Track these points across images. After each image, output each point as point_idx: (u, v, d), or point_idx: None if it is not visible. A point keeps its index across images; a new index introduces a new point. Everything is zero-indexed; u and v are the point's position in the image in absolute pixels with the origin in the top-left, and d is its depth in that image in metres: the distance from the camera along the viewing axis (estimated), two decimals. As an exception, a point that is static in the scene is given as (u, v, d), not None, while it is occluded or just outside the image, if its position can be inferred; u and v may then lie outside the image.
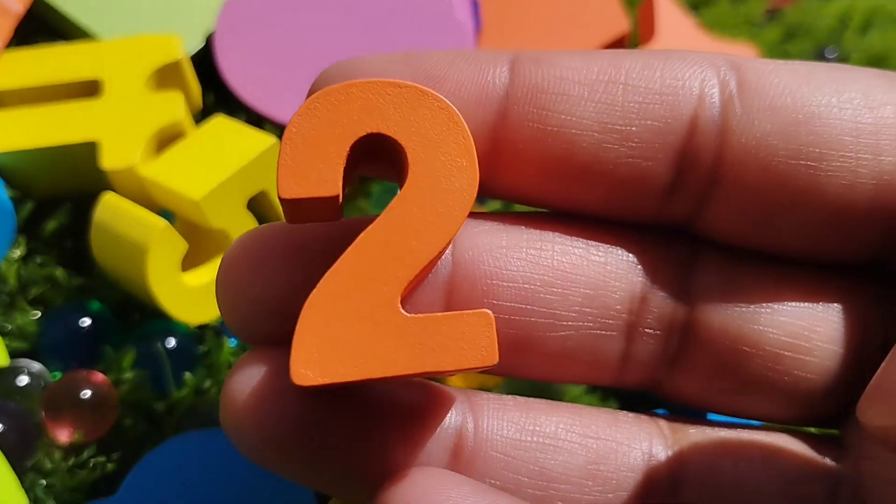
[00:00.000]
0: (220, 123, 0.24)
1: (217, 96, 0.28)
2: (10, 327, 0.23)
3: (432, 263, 0.13)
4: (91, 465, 0.21)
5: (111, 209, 0.23)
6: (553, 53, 0.14)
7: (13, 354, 0.22)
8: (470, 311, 0.13)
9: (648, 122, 0.14)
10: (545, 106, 0.14)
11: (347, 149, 0.13)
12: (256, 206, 0.24)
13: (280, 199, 0.13)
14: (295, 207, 0.13)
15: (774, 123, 0.14)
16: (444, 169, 0.13)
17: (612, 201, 0.14)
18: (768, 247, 0.15)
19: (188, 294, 0.23)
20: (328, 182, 0.13)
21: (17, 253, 0.24)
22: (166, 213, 0.24)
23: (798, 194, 0.14)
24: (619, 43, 0.31)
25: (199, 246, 0.24)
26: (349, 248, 0.13)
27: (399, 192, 0.13)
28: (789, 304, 0.15)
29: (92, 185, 0.24)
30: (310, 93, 0.14)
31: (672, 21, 0.32)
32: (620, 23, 0.31)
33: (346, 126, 0.13)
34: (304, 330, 0.12)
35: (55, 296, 0.24)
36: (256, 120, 0.27)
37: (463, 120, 0.13)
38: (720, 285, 0.15)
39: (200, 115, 0.27)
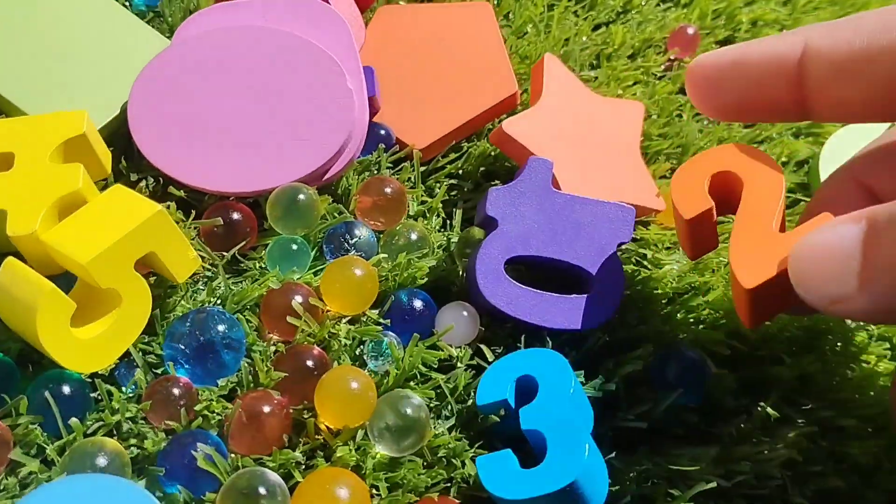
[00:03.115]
0: (116, 192, 0.27)
1: (131, 161, 0.31)
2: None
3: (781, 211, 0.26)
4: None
5: (10, 272, 0.26)
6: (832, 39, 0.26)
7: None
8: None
9: None
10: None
11: (709, 179, 0.27)
12: (151, 263, 0.27)
13: (685, 220, 0.27)
14: (694, 226, 0.27)
15: None
16: (767, 183, 0.26)
17: None
18: None
19: (79, 346, 0.26)
20: (702, 200, 0.27)
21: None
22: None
23: None
24: (510, 102, 0.34)
25: (98, 301, 0.27)
26: (739, 211, 0.26)
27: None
28: None
29: (7, 248, 0.27)
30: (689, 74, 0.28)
31: (559, 80, 0.34)
32: (510, 86, 0.33)
33: (706, 169, 0.27)
34: (734, 254, 0.25)
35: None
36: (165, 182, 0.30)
37: (772, 160, 0.27)
38: None
39: (116, 179, 0.30)
